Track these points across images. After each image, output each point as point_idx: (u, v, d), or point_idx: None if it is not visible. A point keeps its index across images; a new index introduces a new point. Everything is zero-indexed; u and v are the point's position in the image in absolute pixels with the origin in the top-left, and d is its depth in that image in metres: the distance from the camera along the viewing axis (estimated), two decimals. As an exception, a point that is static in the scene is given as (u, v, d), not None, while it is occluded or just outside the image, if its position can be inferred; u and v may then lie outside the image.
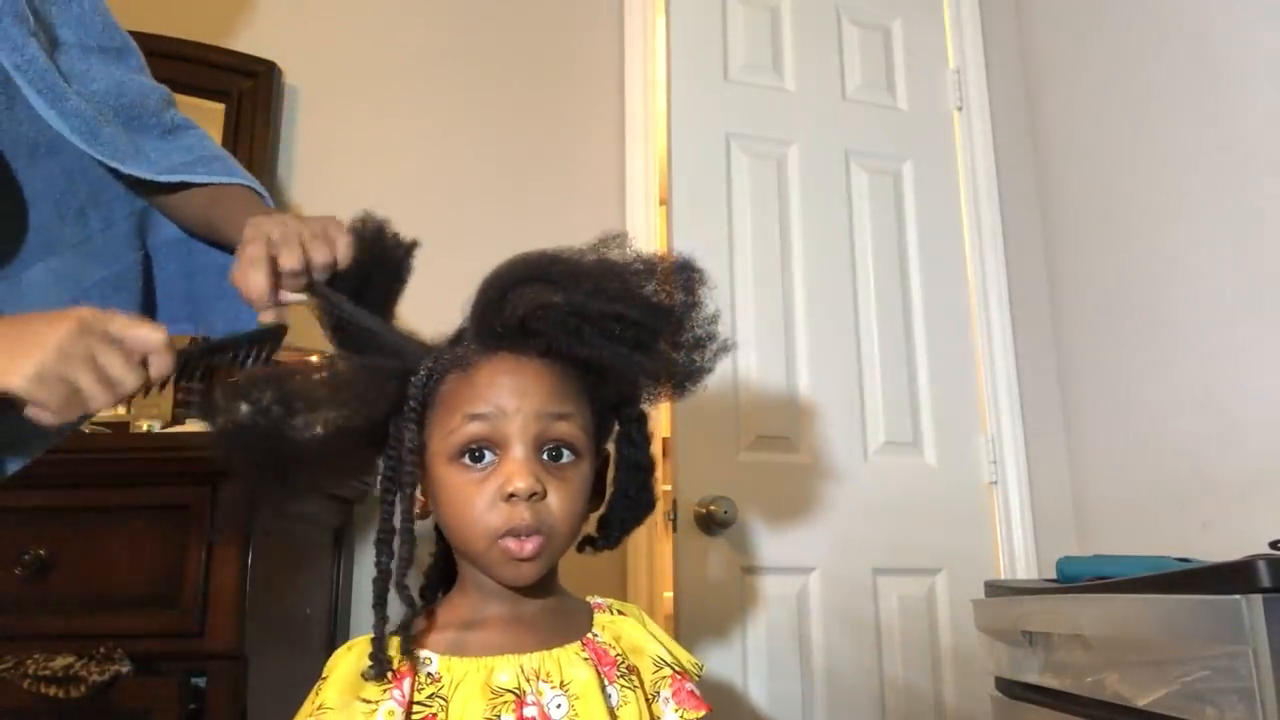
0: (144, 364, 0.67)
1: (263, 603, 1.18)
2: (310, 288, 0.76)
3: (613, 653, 0.75)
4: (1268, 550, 0.97)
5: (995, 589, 1.38)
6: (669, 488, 1.69)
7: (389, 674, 0.67)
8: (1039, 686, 1.22)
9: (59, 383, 0.63)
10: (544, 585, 0.75)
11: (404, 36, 1.89)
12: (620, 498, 0.82)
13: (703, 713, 0.77)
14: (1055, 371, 1.97)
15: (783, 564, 1.72)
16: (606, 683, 0.72)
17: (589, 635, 0.76)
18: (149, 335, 0.67)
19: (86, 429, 1.43)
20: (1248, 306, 1.47)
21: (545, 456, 0.71)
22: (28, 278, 0.84)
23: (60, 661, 1.07)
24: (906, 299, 1.93)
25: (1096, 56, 1.87)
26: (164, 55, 1.77)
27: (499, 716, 0.67)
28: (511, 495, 0.68)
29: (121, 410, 1.63)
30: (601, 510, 0.82)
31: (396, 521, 0.72)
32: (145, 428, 1.47)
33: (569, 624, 0.77)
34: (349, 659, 0.69)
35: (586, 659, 0.72)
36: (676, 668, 0.77)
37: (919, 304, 1.93)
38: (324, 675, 0.69)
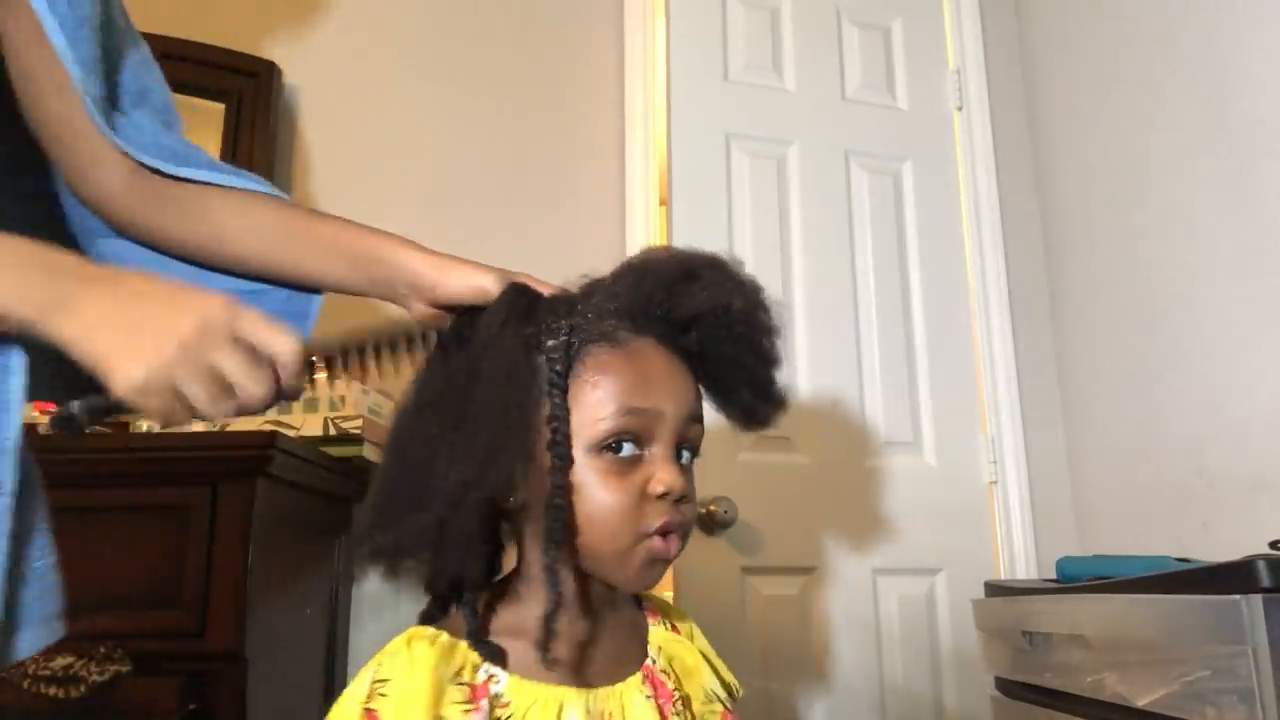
0: (273, 374, 0.58)
1: (263, 603, 1.18)
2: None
3: (669, 684, 0.71)
4: (1268, 550, 0.97)
5: (995, 589, 1.38)
6: (669, 488, 1.68)
7: (469, 690, 0.62)
8: (1039, 686, 1.22)
9: (169, 392, 0.55)
10: (615, 597, 0.73)
11: (404, 37, 1.89)
12: None
13: None
14: (1055, 371, 1.97)
15: (783, 564, 1.72)
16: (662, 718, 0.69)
17: (648, 662, 0.72)
18: (282, 343, 0.58)
19: (86, 429, 1.43)
20: (1248, 306, 1.47)
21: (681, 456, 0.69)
22: None
23: (60, 661, 1.07)
24: (906, 299, 1.93)
25: (1096, 57, 1.87)
26: (164, 55, 1.76)
27: None
28: (663, 495, 0.65)
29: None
30: None
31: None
32: (145, 428, 1.47)
33: (629, 646, 0.73)
34: (423, 664, 0.60)
35: (649, 697, 0.69)
36: (727, 703, 0.74)
37: (919, 304, 1.93)
38: (380, 677, 0.60)
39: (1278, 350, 1.41)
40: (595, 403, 0.65)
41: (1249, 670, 0.84)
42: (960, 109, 2.07)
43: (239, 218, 0.77)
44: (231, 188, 0.78)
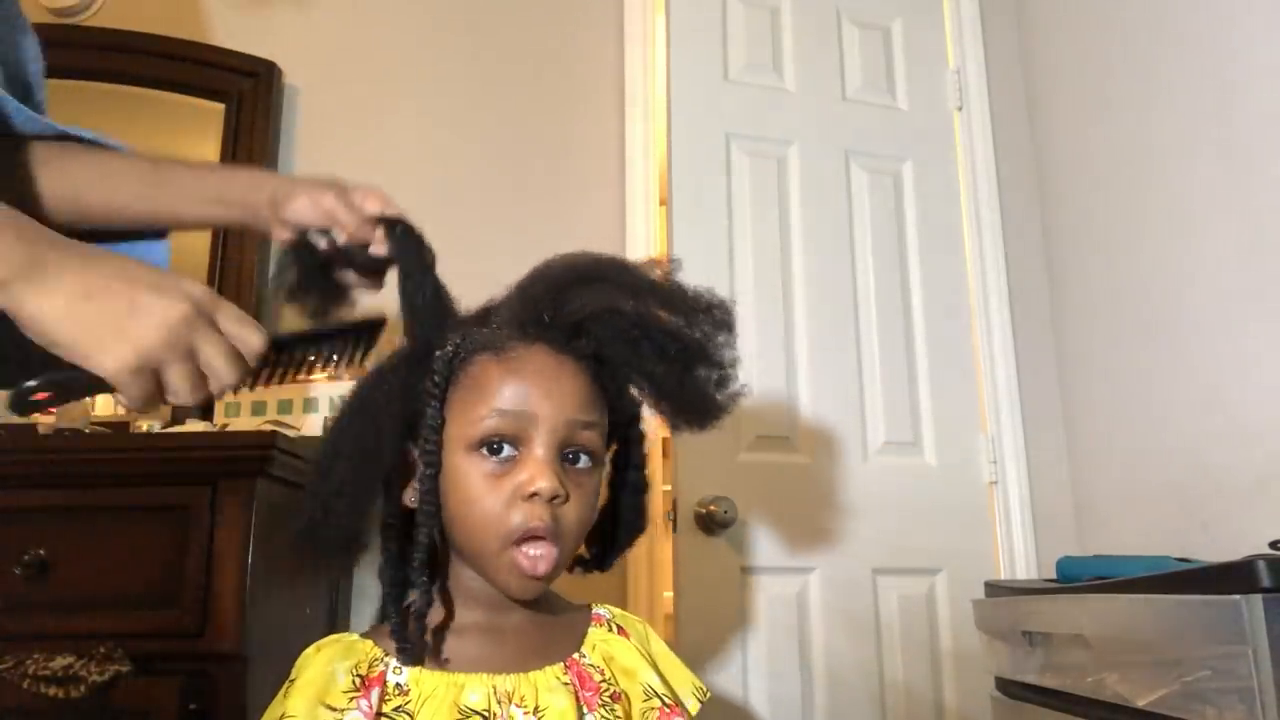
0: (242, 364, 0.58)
1: (263, 603, 1.18)
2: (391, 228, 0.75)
3: (598, 678, 0.71)
4: (1268, 550, 0.97)
5: (995, 589, 1.39)
6: (669, 488, 1.69)
7: (359, 679, 0.65)
8: (1039, 686, 1.22)
9: (153, 376, 0.54)
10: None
11: (404, 37, 1.89)
12: (615, 518, 0.80)
13: None
14: (1055, 371, 1.97)
15: (783, 564, 1.72)
16: (586, 710, 0.69)
17: (575, 655, 0.72)
18: (254, 339, 0.58)
19: (86, 429, 1.43)
20: (1248, 306, 1.47)
21: (563, 460, 0.69)
22: None
23: (60, 661, 1.07)
24: (906, 299, 1.93)
25: (1097, 56, 1.87)
26: (164, 55, 1.78)
27: None
28: (533, 495, 0.66)
29: (121, 410, 1.63)
30: (590, 528, 0.79)
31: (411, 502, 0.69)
32: (145, 428, 1.47)
33: (554, 641, 0.73)
34: (318, 661, 0.66)
35: (567, 684, 0.69)
36: (668, 698, 0.73)
37: (919, 304, 1.93)
38: (291, 677, 0.66)
39: (1277, 349, 1.41)
40: (471, 407, 0.68)
41: (1249, 670, 0.84)
42: (960, 109, 2.07)
43: (100, 173, 0.77)
44: (89, 145, 0.77)
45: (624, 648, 0.75)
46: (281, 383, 0.65)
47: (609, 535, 0.80)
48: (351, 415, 0.69)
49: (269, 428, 1.30)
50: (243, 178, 0.80)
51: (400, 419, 0.69)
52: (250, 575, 1.15)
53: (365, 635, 0.70)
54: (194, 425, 1.42)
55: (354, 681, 0.65)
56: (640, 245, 1.82)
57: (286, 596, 1.32)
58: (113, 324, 0.51)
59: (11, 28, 0.76)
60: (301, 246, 0.77)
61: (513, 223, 1.81)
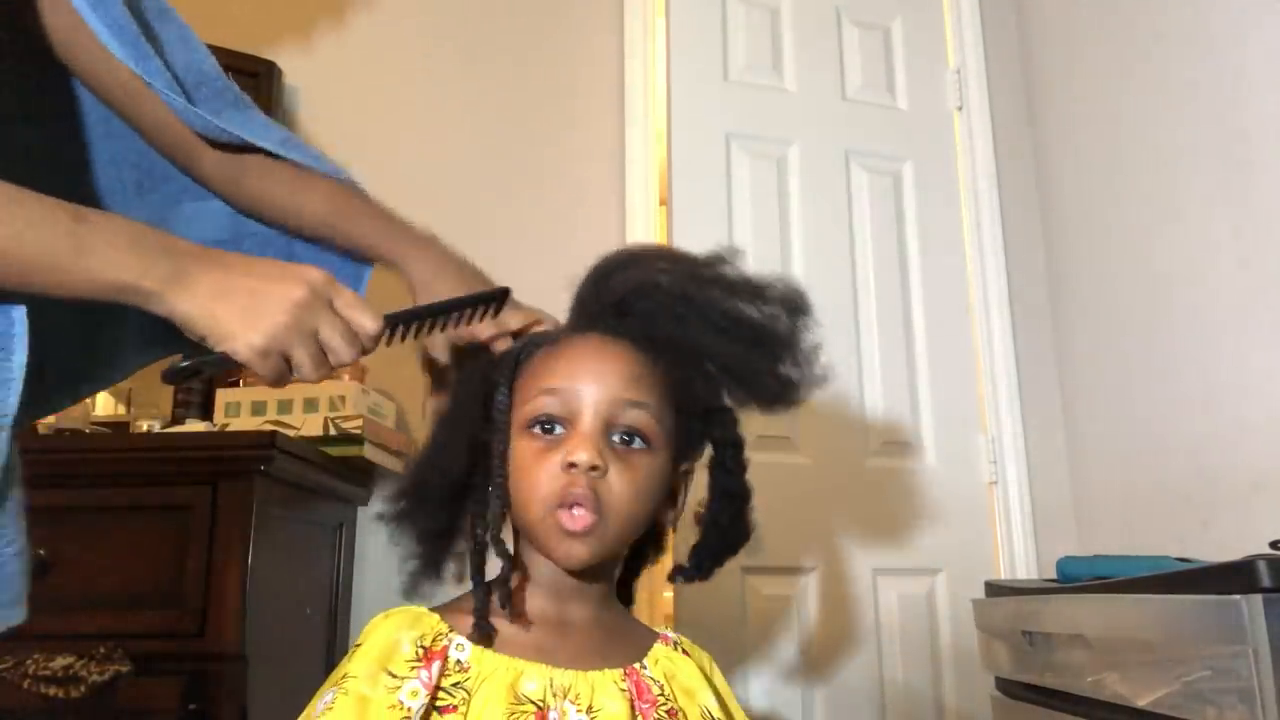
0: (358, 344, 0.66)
1: (263, 603, 1.18)
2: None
3: (656, 691, 0.71)
4: (1268, 550, 0.97)
5: (995, 589, 1.38)
6: (669, 488, 1.68)
7: (422, 650, 0.66)
8: (1039, 686, 1.22)
9: (280, 356, 0.62)
10: (598, 594, 0.75)
11: (404, 37, 1.90)
12: (712, 527, 0.82)
13: None
14: (1055, 371, 1.97)
15: (783, 564, 1.72)
16: (640, 719, 0.68)
17: (636, 665, 0.72)
18: (368, 323, 0.65)
19: (86, 429, 1.43)
20: (1248, 306, 1.47)
21: (616, 440, 0.71)
22: None
23: (60, 661, 1.07)
24: (906, 299, 1.93)
25: (1096, 56, 1.87)
26: (164, 55, 1.78)
27: None
28: (571, 465, 0.68)
29: (121, 410, 1.63)
30: (696, 540, 0.83)
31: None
32: (145, 428, 1.47)
33: (617, 646, 0.74)
34: (385, 628, 0.68)
35: (624, 690, 0.69)
36: None
37: (919, 304, 1.93)
38: (358, 642, 0.68)
39: (1277, 350, 1.41)
40: (526, 390, 0.73)
41: (1249, 670, 0.84)
42: (960, 109, 2.07)
43: (293, 193, 0.84)
44: (288, 161, 0.83)
45: (687, 668, 0.75)
46: (408, 340, 0.72)
47: (710, 545, 0.82)
48: (448, 414, 0.76)
49: (269, 428, 1.30)
50: (406, 243, 0.84)
51: (481, 407, 0.74)
52: (250, 575, 1.15)
53: (434, 609, 0.71)
54: (194, 425, 1.42)
55: (418, 652, 0.66)
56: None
57: (286, 597, 1.32)
58: (242, 314, 0.60)
59: (180, 29, 0.80)
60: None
61: (513, 223, 1.81)
